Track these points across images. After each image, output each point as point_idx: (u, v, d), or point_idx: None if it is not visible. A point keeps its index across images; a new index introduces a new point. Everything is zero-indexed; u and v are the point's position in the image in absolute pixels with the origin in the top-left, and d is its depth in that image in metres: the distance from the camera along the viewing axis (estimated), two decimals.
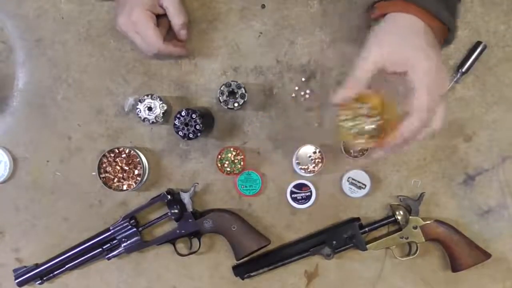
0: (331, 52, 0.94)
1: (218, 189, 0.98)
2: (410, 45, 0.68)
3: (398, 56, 0.68)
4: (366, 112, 0.70)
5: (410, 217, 0.93)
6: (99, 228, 0.97)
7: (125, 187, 0.95)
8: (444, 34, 0.75)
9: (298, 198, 0.96)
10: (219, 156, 0.95)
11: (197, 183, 0.96)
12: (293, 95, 0.95)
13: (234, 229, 0.94)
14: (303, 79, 0.95)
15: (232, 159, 0.95)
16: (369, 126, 0.70)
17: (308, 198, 0.96)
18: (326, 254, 0.94)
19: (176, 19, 0.87)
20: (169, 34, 0.92)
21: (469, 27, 0.93)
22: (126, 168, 0.94)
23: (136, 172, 0.95)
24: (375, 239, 0.95)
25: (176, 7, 0.87)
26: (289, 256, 0.96)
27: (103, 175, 0.94)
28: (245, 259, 0.96)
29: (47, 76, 0.97)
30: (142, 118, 0.92)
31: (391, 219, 0.94)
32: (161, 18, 0.89)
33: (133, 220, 0.95)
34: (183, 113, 0.87)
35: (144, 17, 0.84)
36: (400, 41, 0.69)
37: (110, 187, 0.94)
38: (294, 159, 0.95)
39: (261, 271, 0.96)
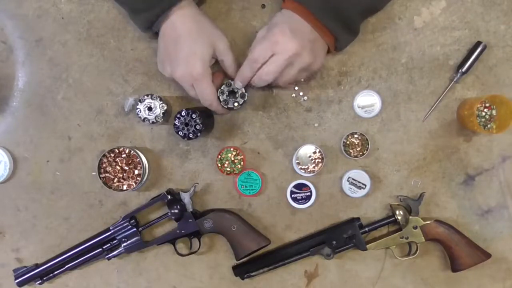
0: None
1: (218, 189, 0.98)
2: (288, 36, 0.81)
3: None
4: None
5: (410, 217, 0.93)
6: (99, 228, 0.97)
7: (125, 187, 0.95)
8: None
9: (298, 198, 0.96)
10: (219, 156, 0.95)
11: (197, 183, 0.96)
12: (293, 95, 0.95)
13: (234, 229, 0.94)
14: (302, 79, 0.95)
15: (232, 159, 0.95)
16: None
17: (308, 198, 0.96)
18: (326, 254, 0.94)
19: (232, 69, 0.89)
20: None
21: (469, 27, 0.93)
22: (126, 168, 0.94)
23: (136, 172, 0.95)
24: (375, 239, 0.95)
25: (232, 59, 0.88)
26: (289, 256, 0.96)
27: (103, 175, 0.94)
28: (245, 259, 0.96)
29: (47, 76, 0.97)
30: (142, 118, 0.92)
31: (391, 219, 0.94)
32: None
33: (133, 220, 0.95)
34: (183, 113, 0.87)
35: (206, 75, 0.85)
36: (280, 34, 0.81)
37: (110, 187, 0.94)
38: (294, 159, 0.95)
39: (261, 271, 0.96)
